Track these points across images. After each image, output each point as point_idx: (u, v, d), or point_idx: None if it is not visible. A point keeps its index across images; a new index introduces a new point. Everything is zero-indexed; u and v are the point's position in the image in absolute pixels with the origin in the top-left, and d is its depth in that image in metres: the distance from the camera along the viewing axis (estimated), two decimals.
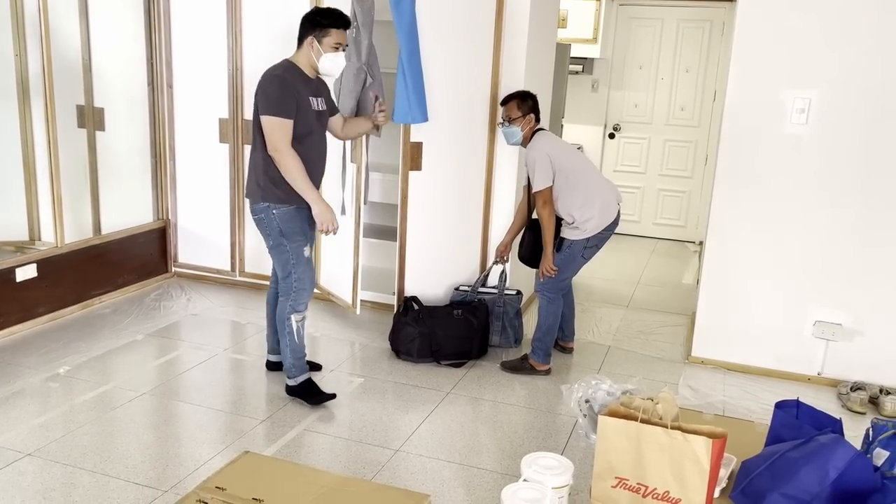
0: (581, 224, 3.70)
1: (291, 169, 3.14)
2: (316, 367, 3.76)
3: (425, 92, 3.92)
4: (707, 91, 6.72)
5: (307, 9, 4.44)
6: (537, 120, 3.82)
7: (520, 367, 3.90)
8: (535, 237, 3.90)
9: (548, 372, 3.88)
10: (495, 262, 4.23)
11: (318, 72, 3.30)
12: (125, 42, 4.72)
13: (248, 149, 4.78)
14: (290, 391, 3.45)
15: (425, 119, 3.95)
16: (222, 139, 4.82)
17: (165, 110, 4.88)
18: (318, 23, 3.23)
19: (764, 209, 3.83)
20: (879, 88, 3.56)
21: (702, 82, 6.74)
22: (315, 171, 3.31)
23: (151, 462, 2.88)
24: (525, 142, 3.79)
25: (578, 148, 6.91)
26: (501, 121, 3.84)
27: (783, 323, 3.90)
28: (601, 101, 7.04)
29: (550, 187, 3.68)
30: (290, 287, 3.35)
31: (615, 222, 3.80)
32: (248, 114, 4.74)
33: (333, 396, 3.45)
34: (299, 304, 3.37)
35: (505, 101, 3.84)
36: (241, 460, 2.18)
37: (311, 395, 3.42)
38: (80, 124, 4.53)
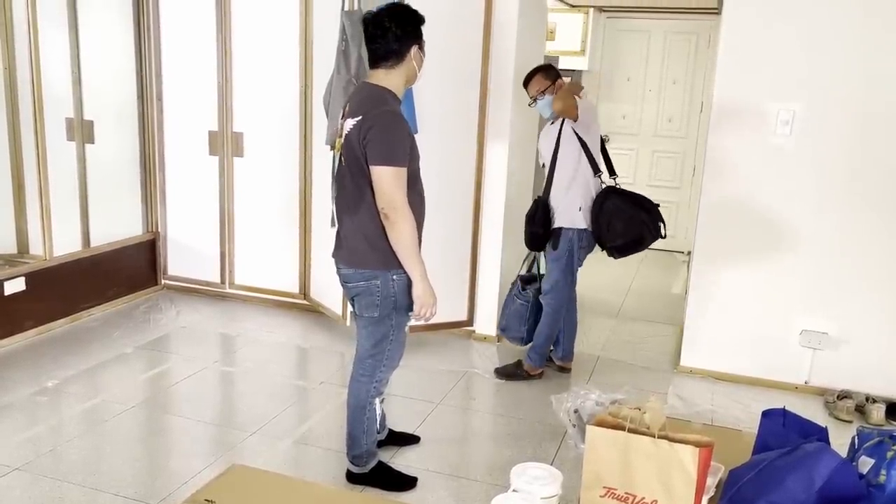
0: (586, 207, 3.66)
1: (405, 233, 2.53)
2: (413, 439, 3.26)
3: (415, 105, 3.94)
4: (694, 102, 6.78)
5: (297, 22, 4.51)
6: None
7: (514, 373, 3.93)
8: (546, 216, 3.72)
9: (540, 375, 3.93)
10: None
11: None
12: (114, 54, 4.73)
13: (238, 161, 4.80)
14: (357, 479, 2.88)
15: (415, 132, 3.96)
16: (212, 151, 4.82)
17: (155, 122, 4.88)
18: (421, 21, 2.62)
19: (750, 219, 3.86)
20: (863, 99, 3.61)
21: (689, 94, 6.80)
22: (420, 226, 2.69)
23: (140, 475, 2.87)
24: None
25: None
26: (531, 101, 3.74)
27: (770, 332, 3.93)
28: None
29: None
30: (376, 365, 2.77)
31: None
32: (238, 126, 4.75)
33: (415, 480, 2.92)
34: (383, 383, 2.85)
35: (529, 79, 3.73)
36: (230, 473, 2.17)
37: (388, 482, 2.89)
38: (70, 137, 4.52)
